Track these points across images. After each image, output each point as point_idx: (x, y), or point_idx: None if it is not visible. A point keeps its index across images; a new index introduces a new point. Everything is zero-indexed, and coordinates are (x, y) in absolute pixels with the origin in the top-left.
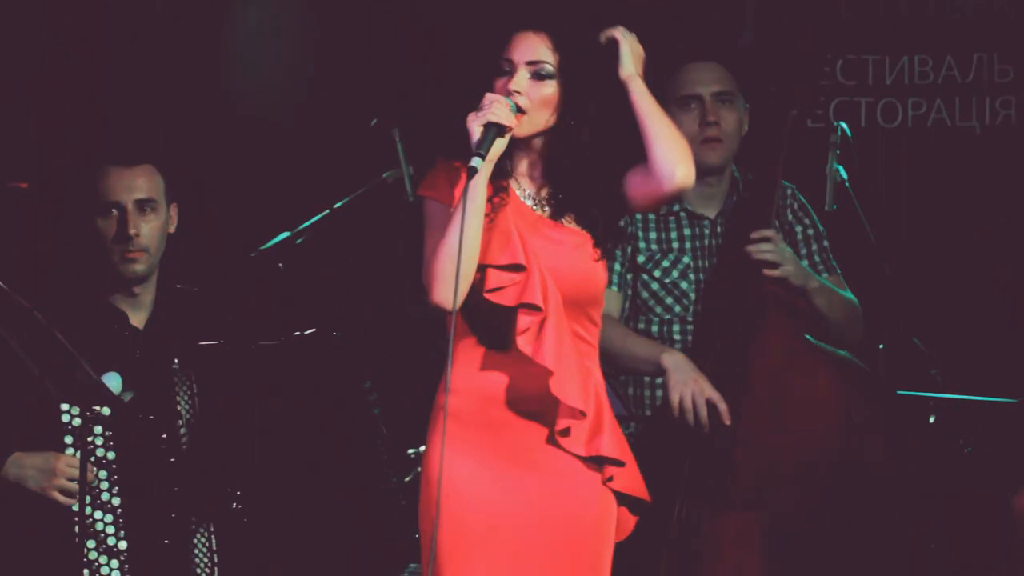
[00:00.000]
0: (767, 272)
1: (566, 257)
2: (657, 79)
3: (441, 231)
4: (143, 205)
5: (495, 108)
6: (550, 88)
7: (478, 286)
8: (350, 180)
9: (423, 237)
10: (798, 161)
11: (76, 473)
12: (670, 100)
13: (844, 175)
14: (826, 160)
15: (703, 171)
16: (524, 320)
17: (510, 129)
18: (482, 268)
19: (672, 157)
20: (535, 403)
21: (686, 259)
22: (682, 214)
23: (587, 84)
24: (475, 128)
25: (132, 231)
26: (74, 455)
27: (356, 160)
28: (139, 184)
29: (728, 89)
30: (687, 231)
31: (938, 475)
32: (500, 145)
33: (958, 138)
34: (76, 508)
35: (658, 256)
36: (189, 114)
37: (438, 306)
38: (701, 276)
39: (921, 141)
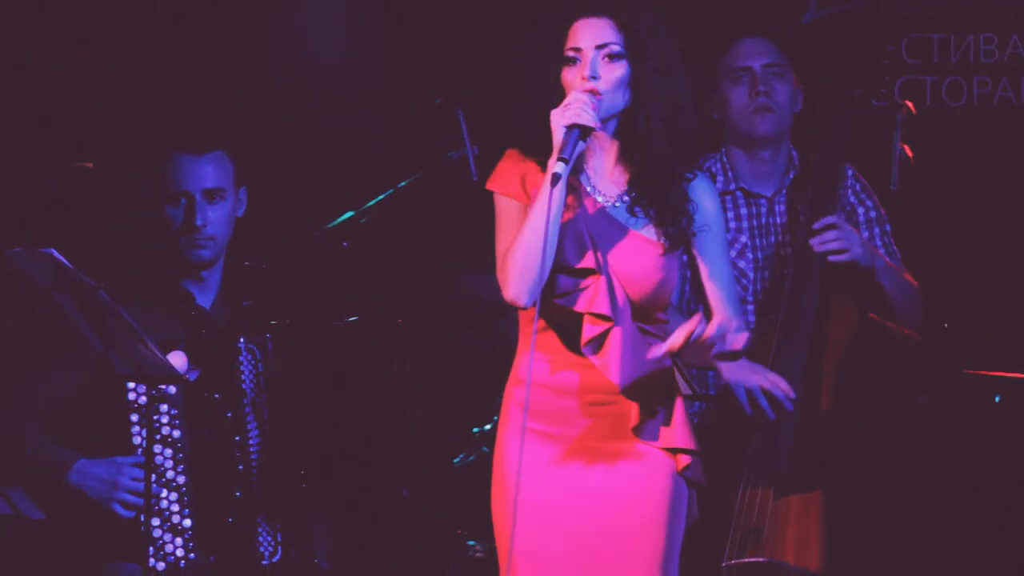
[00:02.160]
0: (833, 259)
1: (640, 264)
2: (709, 58)
3: (514, 230)
4: (212, 194)
5: (580, 109)
6: (621, 69)
7: (548, 289)
8: (415, 159)
9: (493, 227)
10: (863, 140)
11: (138, 486)
12: (723, 75)
13: (909, 154)
14: (891, 139)
15: (756, 142)
16: (590, 328)
17: (593, 130)
18: (552, 271)
19: None
20: (605, 394)
21: (744, 238)
22: (738, 193)
23: (653, 59)
24: (559, 128)
25: (199, 221)
26: (139, 443)
27: (421, 139)
28: (208, 172)
29: (778, 62)
30: (744, 210)
31: (1004, 454)
32: (581, 146)
33: None
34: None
35: None
36: (255, 95)
37: (511, 303)
38: (760, 255)
39: (987, 120)
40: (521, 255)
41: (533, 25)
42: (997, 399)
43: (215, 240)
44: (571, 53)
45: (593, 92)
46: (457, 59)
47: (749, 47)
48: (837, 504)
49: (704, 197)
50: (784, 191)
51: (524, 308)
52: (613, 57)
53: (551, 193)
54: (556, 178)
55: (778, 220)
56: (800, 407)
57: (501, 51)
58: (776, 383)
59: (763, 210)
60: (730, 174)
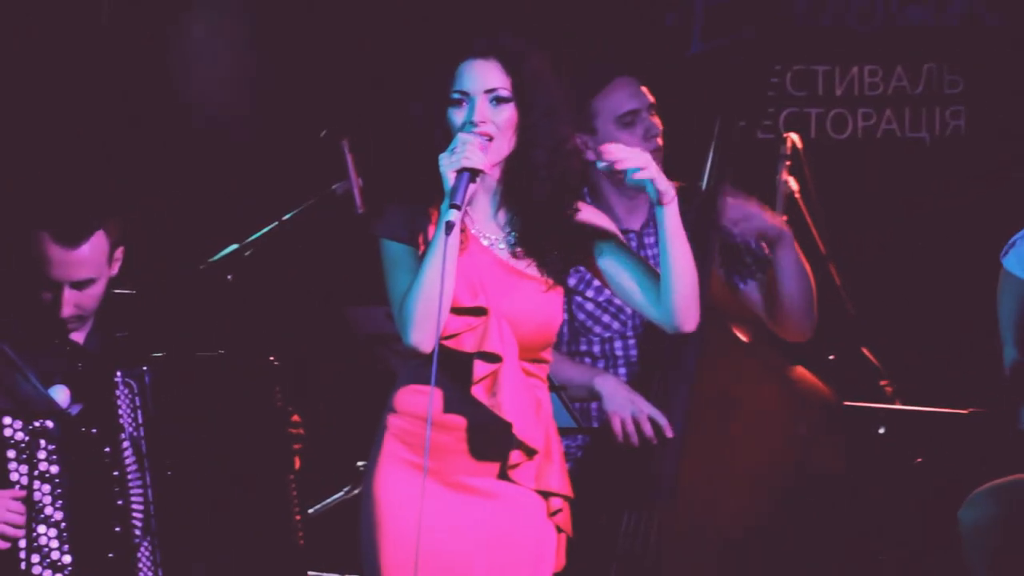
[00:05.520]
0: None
1: (524, 303)
2: (580, 98)
3: (405, 273)
4: (82, 284)
5: (469, 151)
6: (508, 111)
7: None
8: (299, 192)
9: (377, 260)
10: (748, 172)
11: (14, 517)
12: (605, 118)
13: (794, 186)
14: (776, 171)
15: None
16: (481, 368)
17: (483, 171)
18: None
19: (689, 306)
20: (482, 431)
21: None
22: None
23: (540, 102)
24: (449, 173)
25: (66, 313)
26: (16, 479)
27: (305, 172)
28: (80, 263)
29: (654, 101)
30: None
31: (887, 486)
32: (472, 188)
33: (908, 149)
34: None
35: (588, 276)
36: (139, 126)
37: (413, 349)
38: None
39: (871, 152)
40: (420, 303)
41: (419, 64)
42: (881, 431)
43: (83, 316)
44: (458, 95)
45: (483, 134)
46: (343, 92)
47: (632, 88)
48: (724, 536)
49: (593, 218)
50: (652, 223)
51: (426, 353)
52: (500, 100)
53: (446, 241)
54: (450, 226)
55: (648, 252)
56: (685, 436)
57: (387, 86)
58: (653, 416)
59: (633, 244)
60: None
